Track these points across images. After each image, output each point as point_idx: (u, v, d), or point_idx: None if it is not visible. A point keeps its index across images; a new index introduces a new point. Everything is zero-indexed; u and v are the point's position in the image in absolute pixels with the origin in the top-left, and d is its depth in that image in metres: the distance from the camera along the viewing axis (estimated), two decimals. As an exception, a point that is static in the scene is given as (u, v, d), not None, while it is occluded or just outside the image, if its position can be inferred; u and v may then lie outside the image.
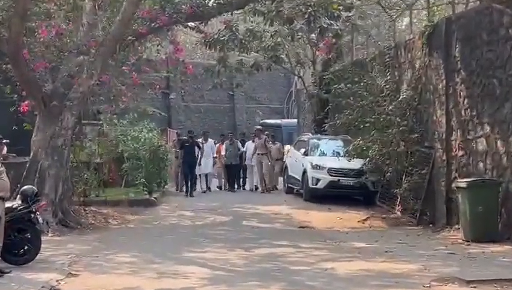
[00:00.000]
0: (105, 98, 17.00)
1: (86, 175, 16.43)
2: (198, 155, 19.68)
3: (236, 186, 21.41)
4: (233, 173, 21.31)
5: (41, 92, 13.72)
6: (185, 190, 19.67)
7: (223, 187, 21.50)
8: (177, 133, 23.33)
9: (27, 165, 13.37)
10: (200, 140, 20.46)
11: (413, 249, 10.61)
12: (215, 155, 21.05)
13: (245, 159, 21.06)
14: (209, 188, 20.77)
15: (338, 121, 16.32)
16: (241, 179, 21.78)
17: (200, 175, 20.55)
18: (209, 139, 21.19)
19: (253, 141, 20.78)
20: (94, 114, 19.84)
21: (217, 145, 21.51)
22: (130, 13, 13.30)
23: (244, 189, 21.59)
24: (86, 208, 15.10)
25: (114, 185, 18.88)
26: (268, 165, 20.20)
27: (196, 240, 12.00)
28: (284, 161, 20.49)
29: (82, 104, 14.32)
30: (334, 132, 18.67)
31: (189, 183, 19.48)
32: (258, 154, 20.17)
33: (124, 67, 16.29)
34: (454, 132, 12.92)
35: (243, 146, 21.55)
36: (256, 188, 20.84)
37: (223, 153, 20.92)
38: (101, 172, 18.13)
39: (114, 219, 14.77)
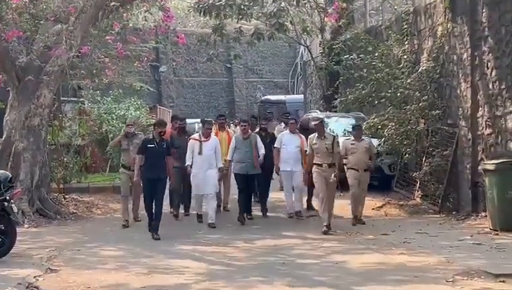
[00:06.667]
0: (86, 72, 16.97)
1: (65, 159, 16.47)
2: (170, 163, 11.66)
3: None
4: (251, 190, 13.79)
5: (14, 65, 13.70)
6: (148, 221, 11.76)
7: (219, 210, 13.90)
8: (175, 118, 14.49)
9: (-1, 148, 13.40)
10: (196, 135, 13.27)
11: (435, 239, 10.63)
12: (230, 158, 13.24)
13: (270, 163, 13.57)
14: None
15: (350, 97, 16.36)
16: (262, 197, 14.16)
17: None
18: (213, 136, 13.09)
19: (292, 132, 13.60)
20: (74, 90, 19.86)
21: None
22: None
23: (265, 215, 13.74)
24: (66, 196, 15.18)
25: (97, 170, 18.89)
26: (335, 184, 12.13)
27: (191, 231, 12.03)
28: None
29: (60, 79, 14.30)
30: (345, 109, 18.64)
31: (154, 213, 11.51)
32: (320, 166, 11.97)
33: (107, 37, 16.23)
34: (480, 108, 12.86)
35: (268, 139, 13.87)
36: (299, 216, 13.45)
37: (229, 158, 13.27)
38: (83, 155, 18.16)
39: (98, 207, 14.81)
